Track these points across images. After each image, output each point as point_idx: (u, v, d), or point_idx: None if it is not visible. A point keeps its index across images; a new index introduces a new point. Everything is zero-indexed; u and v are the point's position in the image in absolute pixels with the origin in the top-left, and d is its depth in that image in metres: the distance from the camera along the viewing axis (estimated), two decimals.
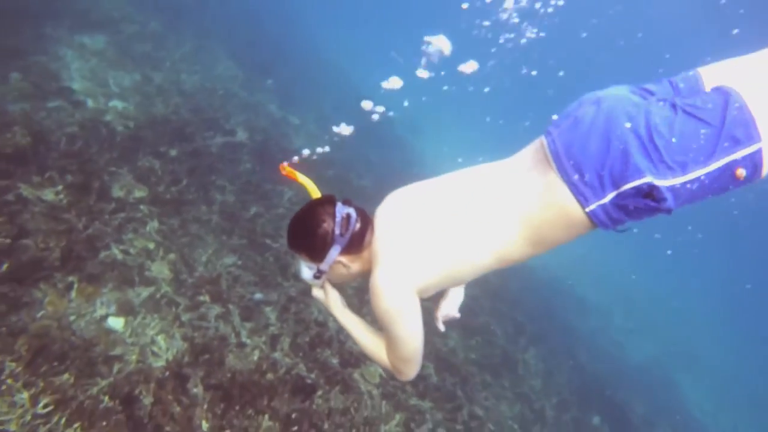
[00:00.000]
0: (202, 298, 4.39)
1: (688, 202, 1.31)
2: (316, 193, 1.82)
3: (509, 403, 6.33)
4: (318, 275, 1.65)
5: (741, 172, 1.21)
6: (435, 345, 6.15)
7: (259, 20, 12.28)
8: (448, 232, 1.54)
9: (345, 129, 3.95)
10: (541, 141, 1.49)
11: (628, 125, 1.26)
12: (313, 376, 4.09)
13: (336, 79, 13.99)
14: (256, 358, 3.98)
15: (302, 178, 1.85)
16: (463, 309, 6.29)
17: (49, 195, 4.28)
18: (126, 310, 3.95)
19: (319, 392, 3.97)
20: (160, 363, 3.60)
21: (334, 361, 4.38)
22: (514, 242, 1.49)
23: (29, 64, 5.87)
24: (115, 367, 3.45)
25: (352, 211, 1.58)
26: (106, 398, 3.12)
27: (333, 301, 1.81)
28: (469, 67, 3.33)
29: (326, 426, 3.74)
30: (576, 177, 1.33)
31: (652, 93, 1.43)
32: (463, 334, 7.06)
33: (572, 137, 1.36)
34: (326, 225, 1.54)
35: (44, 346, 3.27)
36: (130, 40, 7.89)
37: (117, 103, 6.36)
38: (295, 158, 2.15)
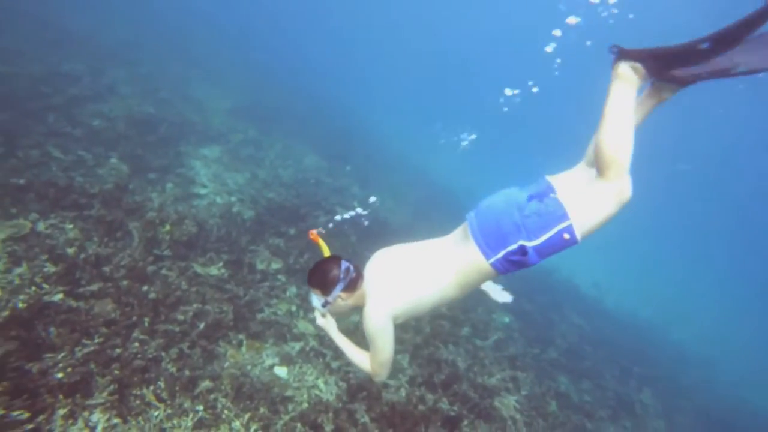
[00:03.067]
0: None
1: (544, 254, 2.20)
2: (327, 253, 2.67)
3: None
4: (325, 305, 2.44)
5: (566, 236, 2.14)
6: (550, 385, 6.29)
7: (331, 119, 13.94)
8: (410, 279, 2.40)
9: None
10: (464, 224, 2.42)
11: (510, 215, 2.22)
12: (455, 408, 4.45)
13: (399, 161, 15.28)
14: (404, 394, 4.44)
15: (322, 242, 2.74)
16: (567, 353, 6.68)
17: (213, 270, 5.19)
18: (287, 360, 4.60)
19: (465, 422, 4.31)
20: (328, 399, 4.14)
21: (472, 394, 4.73)
22: (449, 284, 2.36)
23: (175, 175, 7.22)
24: (290, 406, 4.04)
25: (350, 265, 2.41)
26: (299, 425, 3.67)
27: (331, 325, 2.64)
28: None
29: None
30: (484, 244, 2.25)
31: (529, 194, 2.33)
32: (572, 378, 7.11)
33: (481, 222, 2.30)
34: (335, 272, 2.36)
35: (239, 387, 3.94)
36: (237, 147, 9.37)
37: (237, 197, 7.53)
38: (321, 230, 2.98)
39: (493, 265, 2.25)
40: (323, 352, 4.88)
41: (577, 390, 6.83)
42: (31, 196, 4.89)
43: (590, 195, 2.17)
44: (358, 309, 2.51)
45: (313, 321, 2.74)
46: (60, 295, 3.89)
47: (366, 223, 8.47)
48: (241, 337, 4.61)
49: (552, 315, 9.66)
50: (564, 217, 2.15)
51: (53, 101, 7.37)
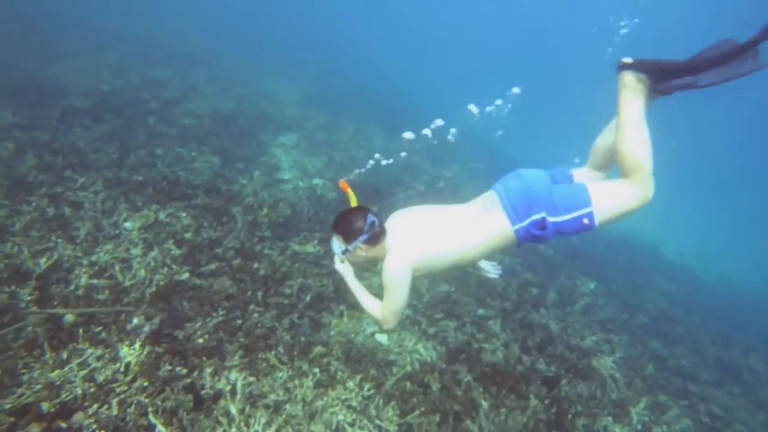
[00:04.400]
0: (437, 315, 5.19)
1: (560, 232, 2.36)
2: (354, 203, 2.69)
3: (749, 410, 5.92)
4: (345, 252, 2.53)
5: (585, 221, 2.30)
6: (645, 349, 6.17)
7: (398, 99, 14.06)
8: (433, 235, 2.47)
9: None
10: (491, 192, 2.54)
11: (541, 189, 2.36)
12: (553, 368, 4.54)
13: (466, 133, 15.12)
14: (501, 356, 4.59)
15: (351, 192, 2.74)
16: (658, 319, 6.44)
17: (309, 248, 5.57)
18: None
19: (564, 381, 4.40)
20: (432, 360, 4.39)
21: (568, 355, 4.79)
22: (471, 245, 2.45)
23: (260, 163, 7.72)
24: (395, 369, 4.32)
25: (375, 219, 2.48)
26: (408, 383, 3.94)
27: (348, 270, 2.73)
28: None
29: (580, 408, 4.13)
30: (512, 211, 2.37)
31: (553, 175, 2.50)
32: (665, 344, 6.89)
33: (510, 192, 2.42)
34: (360, 223, 2.44)
35: (347, 352, 4.27)
36: (311, 133, 9.78)
37: (318, 180, 7.91)
38: (350, 177, 2.92)
39: (516, 232, 2.39)
40: (418, 319, 5.13)
41: (673, 355, 6.62)
42: (149, 190, 5.48)
43: (615, 190, 2.33)
44: (375, 261, 2.63)
45: (332, 265, 2.80)
46: (186, 274, 4.40)
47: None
48: (341, 308, 4.94)
49: (637, 280, 9.33)
50: (588, 203, 2.31)
51: (151, 105, 8.10)
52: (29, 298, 3.59)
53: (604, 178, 2.61)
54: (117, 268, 4.16)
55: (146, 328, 3.49)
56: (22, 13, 10.83)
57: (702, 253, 16.45)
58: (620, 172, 2.32)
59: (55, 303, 3.63)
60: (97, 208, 4.93)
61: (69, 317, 3.46)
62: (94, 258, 4.19)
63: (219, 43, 14.09)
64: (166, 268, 4.37)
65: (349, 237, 2.47)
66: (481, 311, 5.44)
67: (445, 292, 5.71)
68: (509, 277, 6.85)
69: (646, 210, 2.38)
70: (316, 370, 3.97)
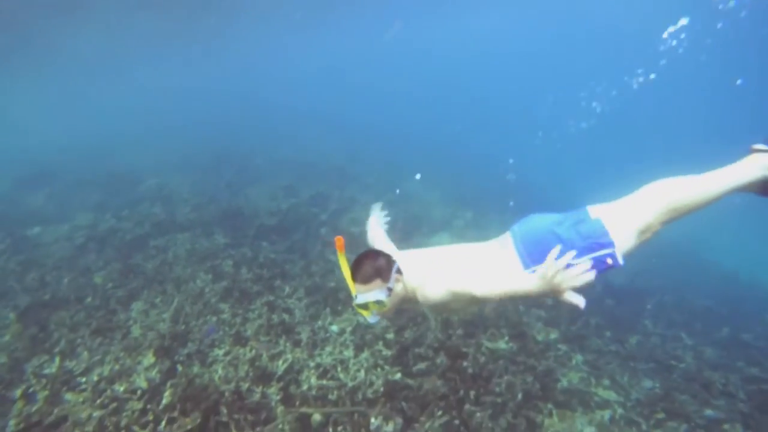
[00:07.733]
0: (659, 416, 4.59)
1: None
2: (346, 269, 2.26)
3: None
4: (389, 292, 2.14)
5: (609, 260, 2.18)
6: None
7: (538, 188, 14.09)
8: (453, 266, 2.30)
9: None
10: (507, 234, 2.47)
11: (557, 229, 2.29)
12: None
13: None
14: None
15: (343, 255, 2.27)
16: None
17: (502, 344, 5.43)
18: (603, 429, 4.42)
19: None
20: None
21: None
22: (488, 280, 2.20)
23: None
24: None
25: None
26: None
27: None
28: None
29: None
30: (525, 254, 2.30)
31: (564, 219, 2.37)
32: None
33: (523, 236, 2.35)
34: (382, 257, 2.20)
35: None
36: (461, 231, 10.04)
37: None
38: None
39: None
40: (636, 420, 4.57)
41: None
42: (343, 294, 5.94)
43: (627, 207, 2.28)
44: (408, 300, 2.29)
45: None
46: (399, 375, 4.52)
47: None
48: (550, 406, 4.62)
49: None
50: (610, 241, 2.20)
51: (321, 218, 9.10)
52: (277, 397, 3.94)
53: None
54: (338, 369, 4.44)
55: (390, 428, 3.58)
56: (216, 150, 13.40)
57: None
58: (639, 191, 2.31)
59: (297, 402, 3.93)
60: (305, 314, 5.44)
61: (316, 416, 3.69)
62: (318, 360, 4.54)
63: (362, 156, 15.68)
64: (379, 369, 4.54)
65: (384, 273, 2.15)
66: (709, 412, 4.69)
67: (649, 388, 5.09)
68: (726, 372, 5.91)
69: None
70: None
